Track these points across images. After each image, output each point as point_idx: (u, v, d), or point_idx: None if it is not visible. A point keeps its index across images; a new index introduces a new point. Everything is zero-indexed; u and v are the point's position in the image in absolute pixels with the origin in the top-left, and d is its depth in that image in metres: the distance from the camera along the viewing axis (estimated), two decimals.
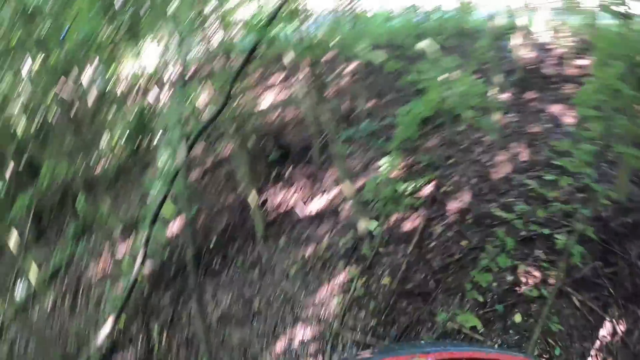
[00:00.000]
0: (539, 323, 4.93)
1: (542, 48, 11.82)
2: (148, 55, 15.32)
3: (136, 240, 9.30)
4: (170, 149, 7.88)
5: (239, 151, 8.69)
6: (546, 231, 6.27)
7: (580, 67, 10.75)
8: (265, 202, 8.37)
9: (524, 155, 8.09)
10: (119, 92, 15.86)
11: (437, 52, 9.87)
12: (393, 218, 6.96)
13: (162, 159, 7.31)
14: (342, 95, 11.35)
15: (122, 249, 9.47)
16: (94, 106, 13.15)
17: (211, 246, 8.11)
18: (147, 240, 5.54)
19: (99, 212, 10.34)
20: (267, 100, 13.72)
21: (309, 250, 7.00)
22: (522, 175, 7.56)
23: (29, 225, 11.91)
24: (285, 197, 8.35)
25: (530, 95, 10.09)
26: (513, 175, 7.62)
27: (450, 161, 7.94)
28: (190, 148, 5.39)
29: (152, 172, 11.39)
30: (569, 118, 9.28)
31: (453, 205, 7.02)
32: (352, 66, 12.90)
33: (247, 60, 3.86)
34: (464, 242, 6.42)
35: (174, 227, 9.05)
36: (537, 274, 5.88)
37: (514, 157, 8.07)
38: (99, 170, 12.64)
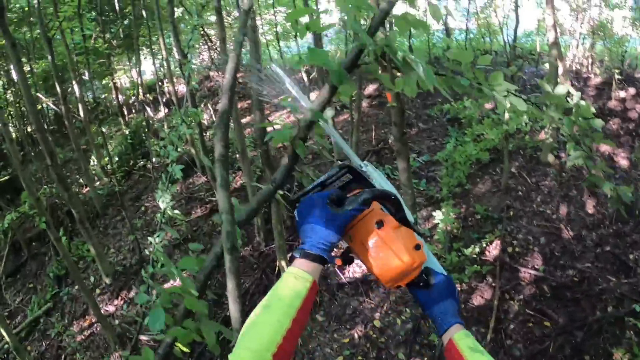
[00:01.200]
0: None
1: (578, 77, 10.83)
2: (146, 67, 14.10)
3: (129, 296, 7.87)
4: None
5: (253, 187, 7.34)
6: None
7: (622, 100, 9.81)
8: (291, 260, 6.98)
9: (589, 206, 7.04)
10: (112, 105, 14.50)
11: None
12: (458, 288, 5.74)
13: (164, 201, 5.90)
14: (365, 123, 10.13)
15: (112, 306, 7.99)
16: (84, 120, 11.63)
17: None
18: None
19: (83, 252, 8.91)
20: (277, 122, 12.41)
21: (357, 332, 5.61)
22: (593, 233, 6.52)
23: (4, 257, 10.34)
24: None
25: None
26: (584, 232, 6.56)
27: (510, 213, 6.78)
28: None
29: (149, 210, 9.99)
30: (622, 159, 8.33)
31: (525, 273, 5.85)
32: (370, 88, 11.75)
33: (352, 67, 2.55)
34: (547, 323, 5.26)
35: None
36: None
37: (579, 208, 7.02)
38: (87, 194, 11.12)
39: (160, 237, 5.52)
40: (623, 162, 8.21)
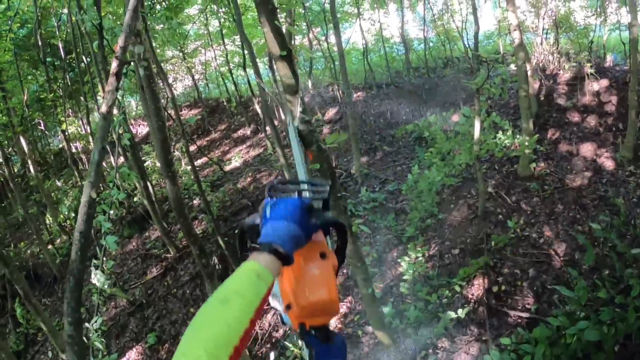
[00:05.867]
0: None
1: (547, 75, 10.15)
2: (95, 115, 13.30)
3: None
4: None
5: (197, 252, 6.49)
6: None
7: (596, 93, 9.13)
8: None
9: (580, 220, 6.26)
10: (67, 156, 13.64)
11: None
12: (439, 347, 4.85)
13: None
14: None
15: None
16: (35, 176, 10.79)
17: None
18: None
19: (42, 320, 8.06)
20: (236, 158, 11.60)
21: None
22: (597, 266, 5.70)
23: None
24: (277, 319, 6.13)
25: (553, 134, 8.34)
26: (577, 255, 5.75)
27: (492, 243, 5.94)
28: None
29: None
30: (606, 160, 7.60)
31: (516, 316, 5.01)
32: (331, 112, 10.96)
33: None
34: None
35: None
36: None
37: (567, 226, 6.22)
38: (44, 254, 10.19)
39: (98, 323, 4.65)
40: (608, 164, 7.48)
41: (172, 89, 12.25)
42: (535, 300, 5.17)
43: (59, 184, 13.57)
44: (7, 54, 9.69)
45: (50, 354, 8.15)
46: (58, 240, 11.35)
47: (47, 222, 11.86)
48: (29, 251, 11.36)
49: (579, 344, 4.14)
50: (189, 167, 10.98)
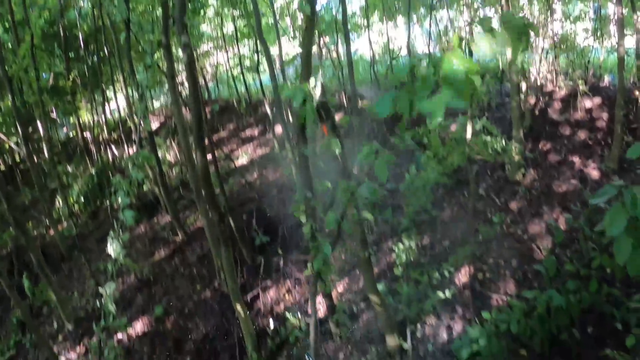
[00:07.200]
0: None
1: (543, 91, 10.71)
2: (110, 106, 13.76)
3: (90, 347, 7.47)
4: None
5: (214, 229, 7.00)
6: None
7: (588, 110, 9.66)
8: (253, 300, 6.60)
9: (561, 222, 6.78)
10: (78, 144, 14.10)
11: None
12: (426, 322, 5.37)
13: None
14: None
15: (74, 354, 7.56)
16: (49, 160, 11.27)
17: None
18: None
19: (47, 296, 8.53)
20: (244, 156, 12.16)
21: None
22: (567, 250, 6.23)
23: None
24: (279, 294, 6.63)
25: (544, 145, 8.87)
26: (557, 250, 6.27)
27: (480, 237, 6.47)
28: None
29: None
30: (592, 170, 8.12)
31: (497, 299, 5.53)
32: (337, 118, 11.51)
33: None
34: (522, 352, 4.93)
35: (134, 330, 7.23)
36: None
37: (550, 225, 6.75)
38: (53, 235, 10.67)
39: (112, 288, 5.13)
40: (594, 174, 7.99)
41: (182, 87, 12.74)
42: (516, 286, 5.69)
43: (69, 169, 13.95)
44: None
45: (55, 324, 8.60)
46: (65, 224, 11.80)
47: (57, 205, 12.28)
48: (35, 232, 11.80)
49: (553, 321, 4.68)
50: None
